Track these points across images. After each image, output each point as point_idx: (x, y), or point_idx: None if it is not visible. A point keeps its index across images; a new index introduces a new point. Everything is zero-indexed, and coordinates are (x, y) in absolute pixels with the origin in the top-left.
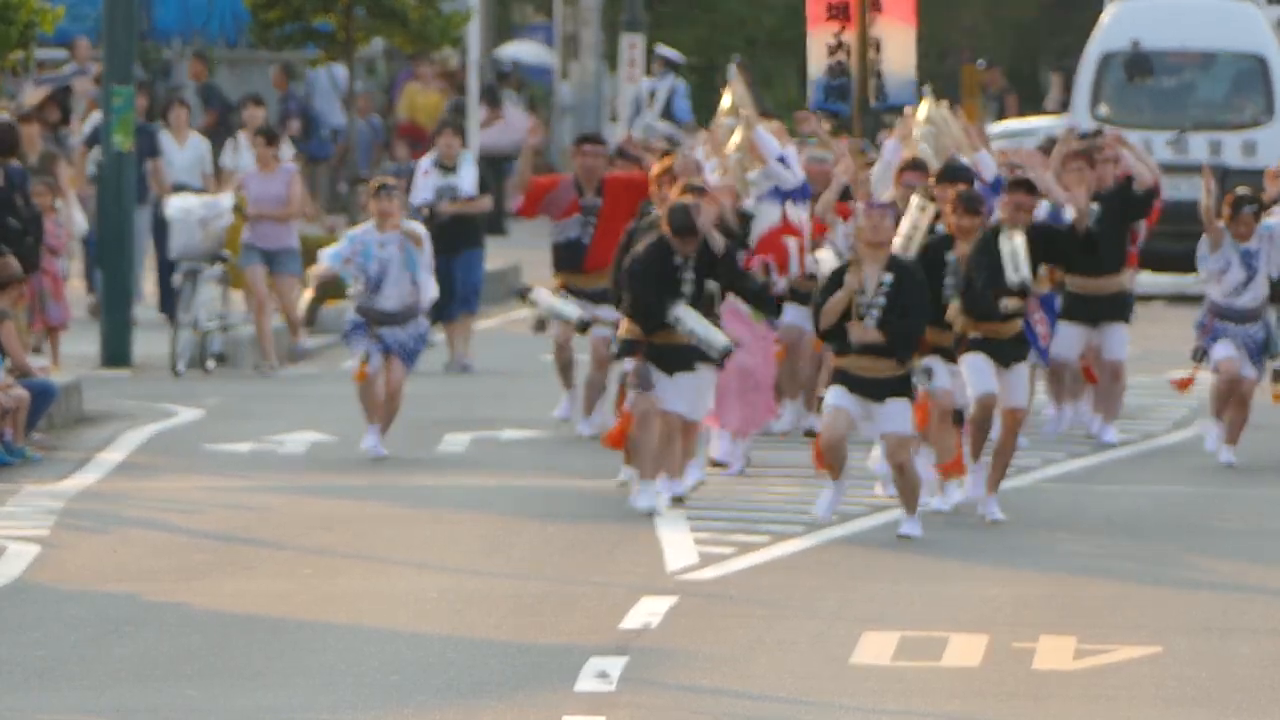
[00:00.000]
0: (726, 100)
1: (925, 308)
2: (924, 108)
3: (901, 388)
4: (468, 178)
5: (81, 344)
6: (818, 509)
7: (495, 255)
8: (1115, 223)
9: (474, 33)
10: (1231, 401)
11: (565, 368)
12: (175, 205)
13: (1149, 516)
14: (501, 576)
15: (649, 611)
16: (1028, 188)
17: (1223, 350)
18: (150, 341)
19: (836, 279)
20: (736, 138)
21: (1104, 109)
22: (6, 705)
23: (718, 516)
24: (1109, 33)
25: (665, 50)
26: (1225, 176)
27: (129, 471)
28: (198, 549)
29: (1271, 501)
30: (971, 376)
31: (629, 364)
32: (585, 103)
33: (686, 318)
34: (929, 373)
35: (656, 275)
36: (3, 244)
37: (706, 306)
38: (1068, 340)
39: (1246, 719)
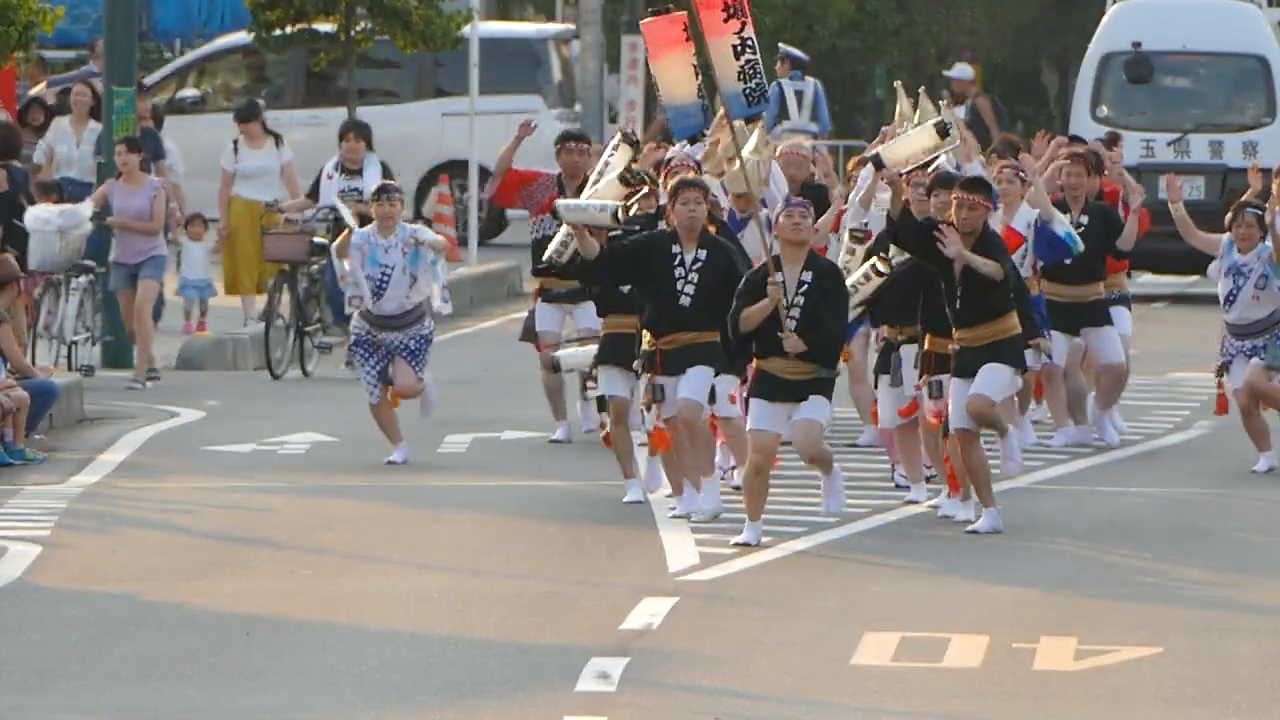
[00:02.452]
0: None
1: (845, 309)
2: (920, 107)
3: (822, 387)
4: (372, 180)
5: (82, 345)
6: (743, 536)
7: (494, 256)
8: (1098, 235)
9: (475, 31)
10: (1255, 422)
11: (555, 392)
12: (33, 215)
13: (1149, 518)
14: (502, 577)
15: (650, 612)
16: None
17: (1233, 381)
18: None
19: (753, 284)
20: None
21: (1104, 110)
22: (6, 705)
23: (718, 519)
24: (1109, 34)
25: (789, 49)
26: (1226, 177)
27: (130, 472)
28: (198, 549)
29: (1272, 503)
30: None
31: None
32: (586, 104)
33: (569, 209)
34: (939, 386)
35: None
36: (9, 245)
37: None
38: (1054, 348)
39: (1247, 719)
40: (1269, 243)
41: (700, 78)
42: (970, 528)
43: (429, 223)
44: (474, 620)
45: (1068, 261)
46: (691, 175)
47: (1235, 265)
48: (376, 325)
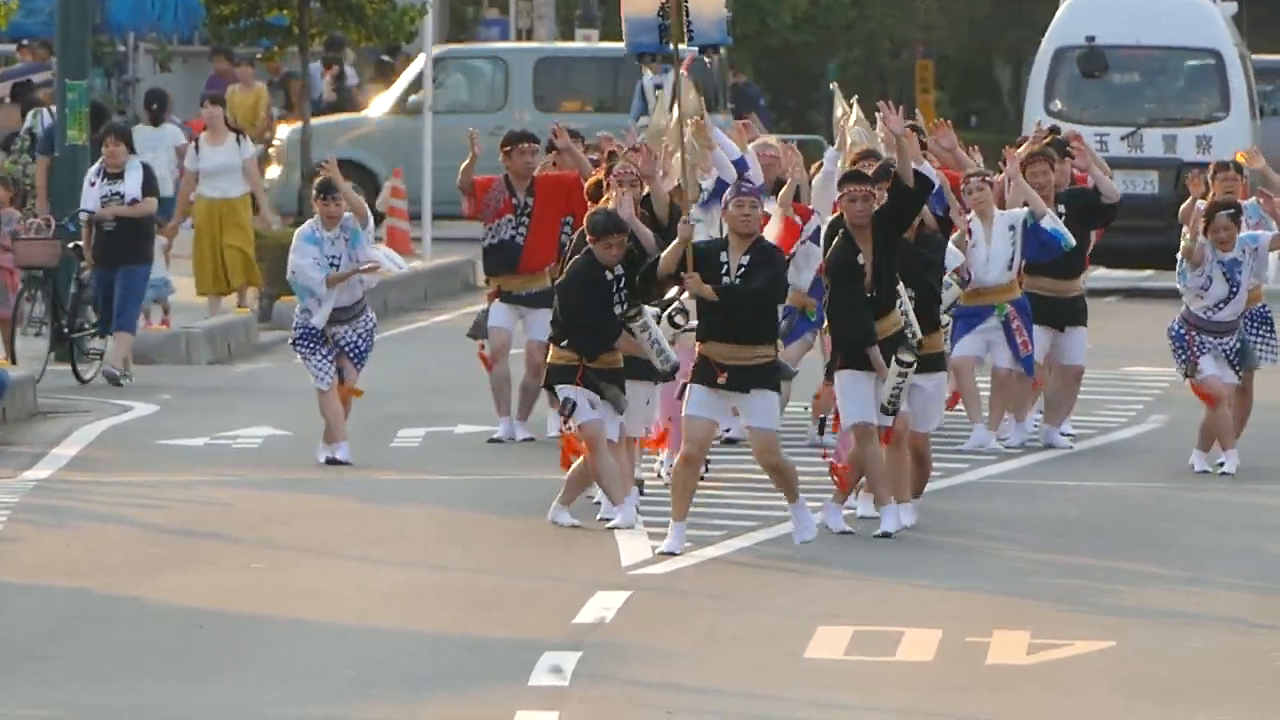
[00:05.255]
0: (667, 95)
1: (781, 286)
2: (854, 110)
3: (766, 379)
4: (133, 183)
5: (35, 339)
6: (667, 543)
7: (447, 250)
8: (1078, 225)
9: (429, 27)
10: (1225, 415)
11: (500, 388)
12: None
13: (1102, 513)
14: (456, 571)
15: (603, 606)
16: (860, 179)
17: (1207, 370)
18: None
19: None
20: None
21: (1058, 105)
22: None
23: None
24: (1063, 28)
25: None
26: (1180, 172)
27: (83, 466)
28: (152, 543)
29: (1225, 497)
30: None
31: (564, 392)
32: None
33: (652, 325)
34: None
35: (592, 296)
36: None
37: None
38: (1035, 343)
39: (1200, 712)
40: (1255, 233)
41: None
42: (878, 530)
43: (383, 217)
44: (427, 614)
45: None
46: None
47: (1225, 263)
48: (329, 319)
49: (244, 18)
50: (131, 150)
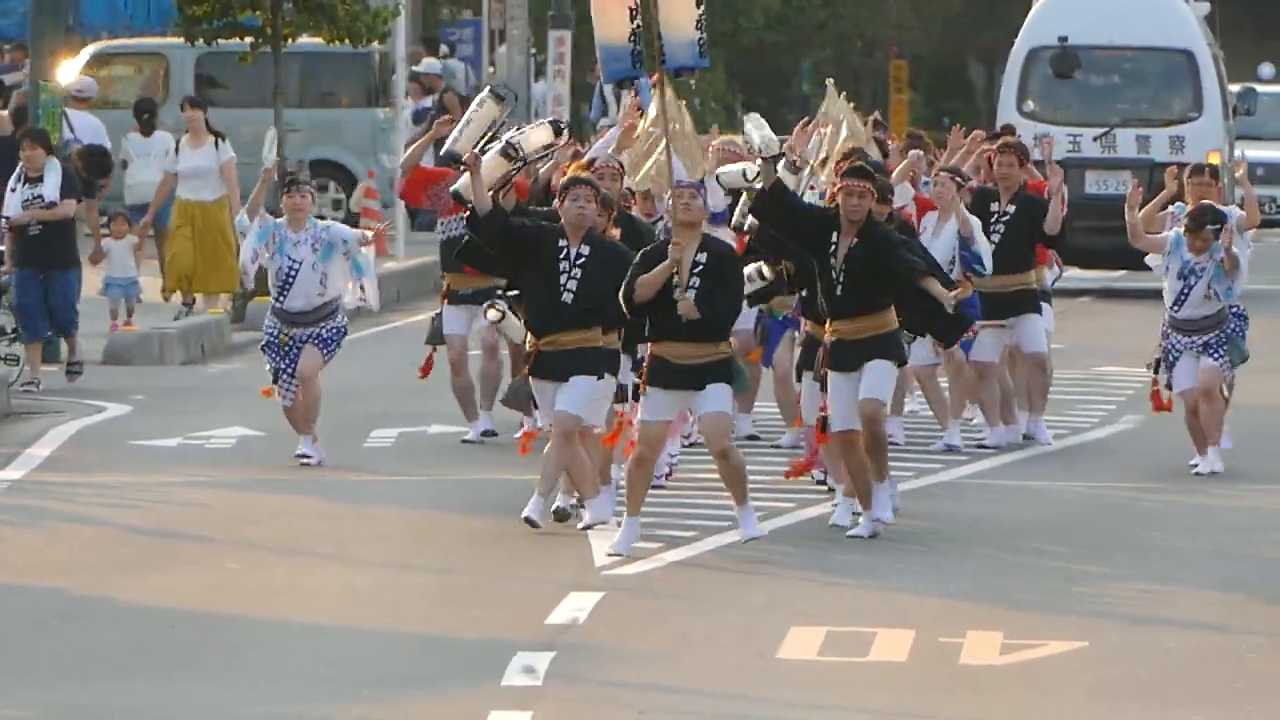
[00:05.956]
0: (651, 111)
1: (739, 288)
2: (826, 104)
3: (719, 374)
4: (52, 185)
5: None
6: (616, 541)
7: (421, 251)
8: (1024, 227)
9: (401, 28)
10: (1199, 423)
11: (465, 394)
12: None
13: (1075, 513)
14: (429, 571)
15: (576, 607)
16: (862, 174)
17: (1180, 381)
18: (78, 336)
19: (648, 258)
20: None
21: (1031, 105)
22: None
23: (645, 511)
24: (1036, 28)
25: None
26: (1153, 172)
27: (56, 466)
28: (126, 544)
29: (1198, 498)
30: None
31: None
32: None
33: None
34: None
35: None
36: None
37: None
38: (986, 342)
39: (1172, 712)
40: (1222, 246)
41: (638, 21)
42: (851, 532)
43: (358, 217)
44: (401, 614)
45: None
46: (583, 174)
47: (1188, 265)
48: (287, 321)
49: (216, 18)
50: (50, 152)
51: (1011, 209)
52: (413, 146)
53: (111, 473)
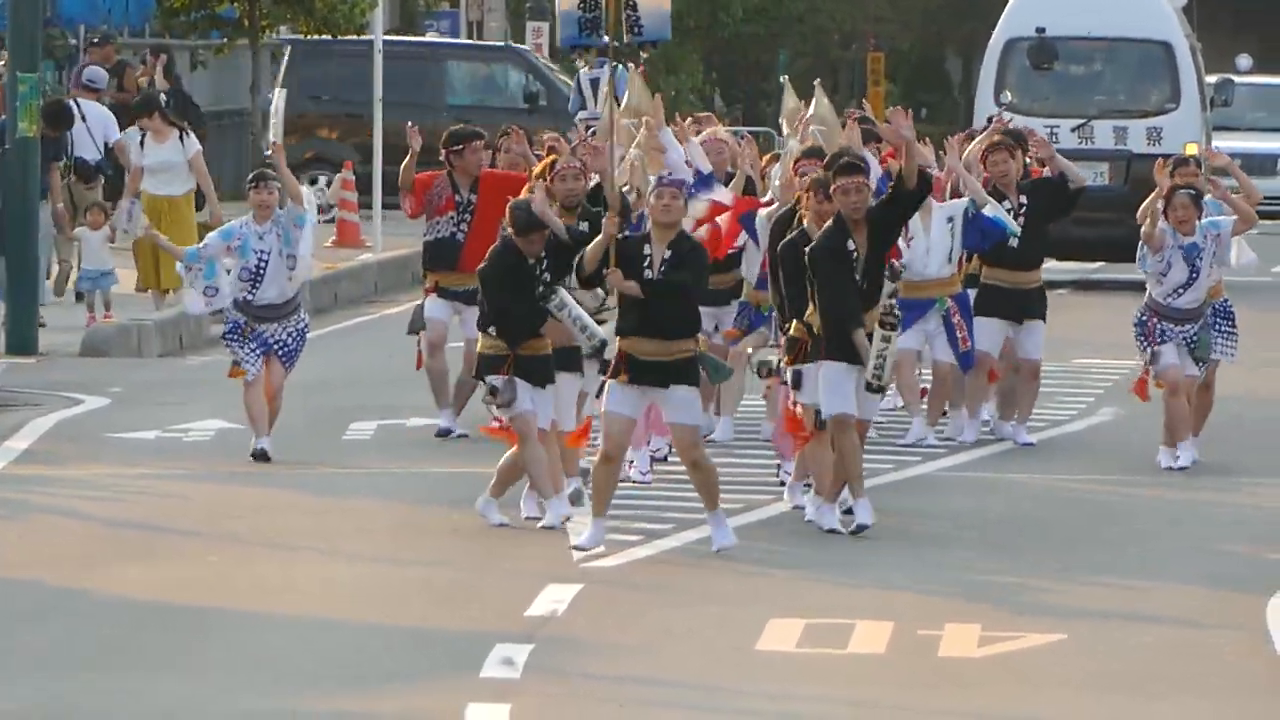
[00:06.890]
0: (626, 101)
1: (703, 281)
2: (816, 104)
3: (687, 373)
4: None
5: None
6: (583, 539)
7: (398, 243)
8: (1040, 216)
9: (379, 19)
10: (1181, 405)
11: (439, 379)
12: None
13: (1053, 506)
14: (408, 564)
15: (555, 599)
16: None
17: (1166, 358)
18: (56, 329)
19: (624, 247)
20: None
21: (1008, 97)
22: None
23: (622, 504)
24: (1013, 20)
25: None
26: (1131, 163)
27: (34, 459)
28: (104, 537)
29: (1175, 491)
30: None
31: (492, 380)
32: None
33: (570, 304)
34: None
35: (513, 283)
36: None
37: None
38: (988, 335)
39: (1149, 704)
40: (1218, 219)
41: None
42: (851, 526)
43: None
44: (379, 607)
45: (1012, 244)
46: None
47: (1187, 248)
48: (256, 317)
49: (195, 10)
50: None
51: (1023, 200)
52: (404, 166)
53: (89, 466)
